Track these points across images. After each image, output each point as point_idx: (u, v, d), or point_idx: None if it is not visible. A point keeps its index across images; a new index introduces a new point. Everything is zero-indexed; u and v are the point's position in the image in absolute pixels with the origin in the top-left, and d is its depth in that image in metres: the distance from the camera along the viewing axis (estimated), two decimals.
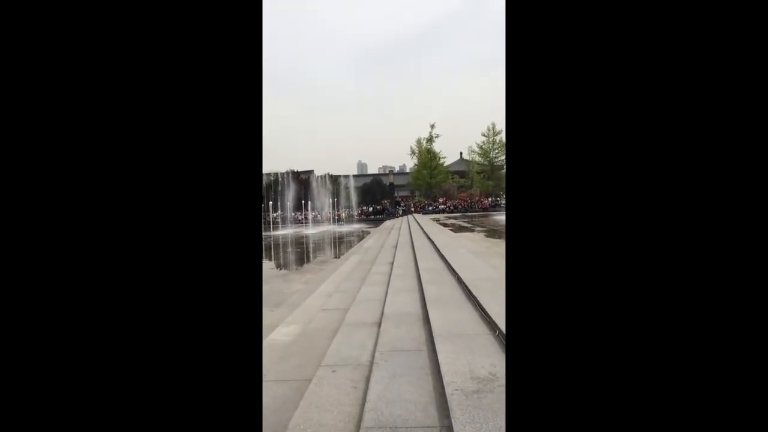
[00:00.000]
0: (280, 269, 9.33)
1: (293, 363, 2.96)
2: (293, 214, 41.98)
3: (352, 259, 8.90)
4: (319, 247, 14.38)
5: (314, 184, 45.81)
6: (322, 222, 37.11)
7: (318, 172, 47.16)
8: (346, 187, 44.30)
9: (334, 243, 15.56)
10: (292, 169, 45.99)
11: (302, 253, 12.71)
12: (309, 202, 43.85)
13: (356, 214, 39.69)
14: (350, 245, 13.70)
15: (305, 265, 9.76)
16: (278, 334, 3.87)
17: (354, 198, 43.17)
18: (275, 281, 7.55)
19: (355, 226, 26.68)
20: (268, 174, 45.52)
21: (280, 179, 44.78)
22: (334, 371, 2.55)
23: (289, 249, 14.08)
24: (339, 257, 10.58)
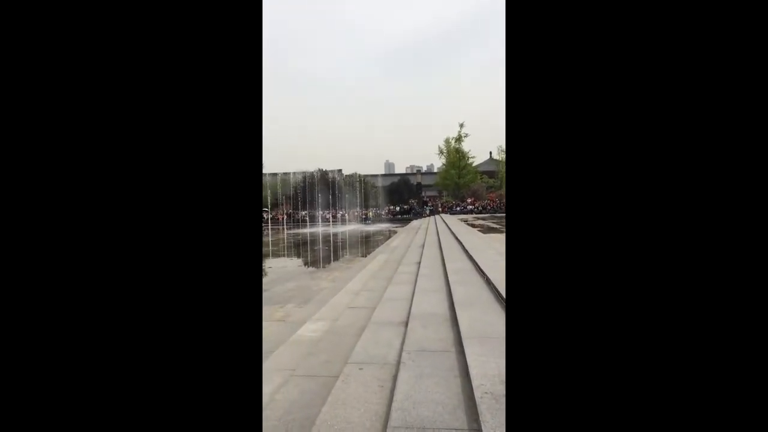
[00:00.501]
0: (308, 266, 9.47)
1: (321, 359, 2.99)
2: (321, 212, 42.53)
3: (378, 257, 8.92)
4: (346, 245, 14.50)
5: (342, 183, 46.26)
6: (350, 221, 37.42)
7: (346, 172, 47.64)
8: (374, 187, 44.51)
9: (361, 242, 15.65)
10: (320, 168, 46.61)
11: (329, 251, 12.85)
12: (336, 201, 44.32)
13: (383, 213, 39.76)
14: (377, 244, 13.74)
15: (332, 263, 9.86)
16: (306, 330, 3.91)
17: (381, 197, 43.31)
18: (303, 278, 7.66)
19: (382, 226, 26.74)
20: (297, 173, 46.35)
21: (308, 178, 45.48)
22: (361, 369, 2.55)
23: (317, 247, 14.27)
24: (366, 256, 10.63)
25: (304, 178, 45.59)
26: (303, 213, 43.12)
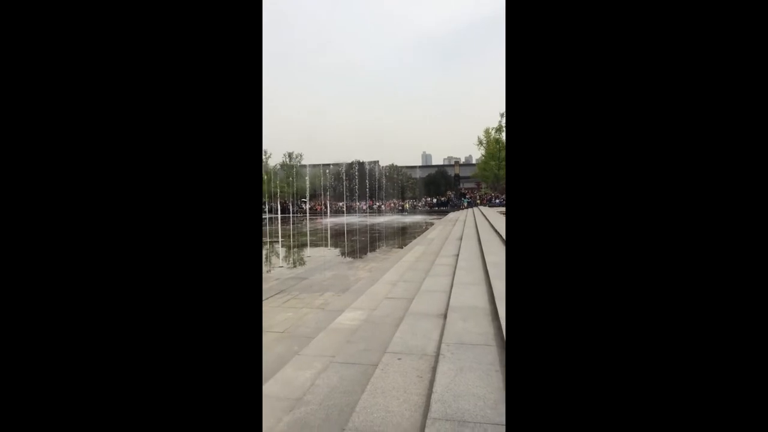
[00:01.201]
0: (345, 257, 9.60)
1: (359, 347, 3.02)
2: (358, 203, 42.95)
3: (416, 249, 8.89)
4: (382, 236, 14.57)
5: (378, 174, 46.41)
6: (386, 212, 37.55)
7: (383, 163, 47.71)
8: (410, 178, 44.32)
9: (398, 233, 15.67)
10: (357, 159, 46.93)
11: (366, 241, 12.96)
12: (373, 193, 44.57)
13: (420, 205, 39.57)
14: (414, 236, 13.70)
15: (369, 254, 9.94)
16: (345, 318, 3.97)
17: (418, 189, 43.07)
18: (340, 268, 7.78)
19: (419, 217, 26.63)
20: (335, 164, 46.96)
21: (345, 170, 45.97)
22: (399, 359, 2.55)
23: (354, 237, 14.44)
24: (402, 247, 10.63)
25: (342, 169, 46.14)
26: (340, 204, 43.76)
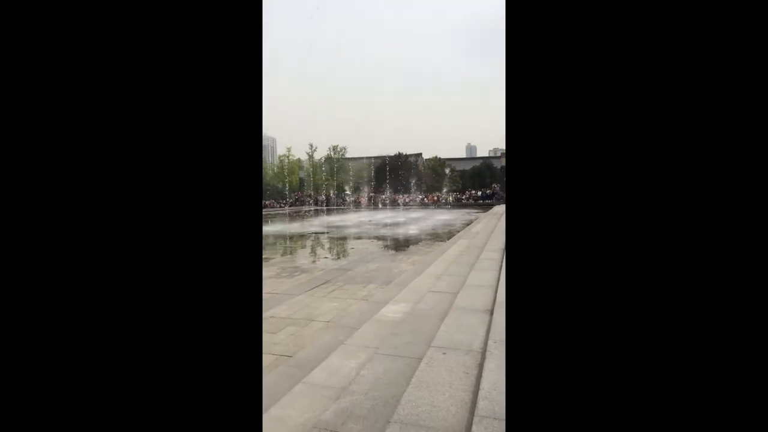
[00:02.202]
0: (388, 249, 9.63)
1: (403, 340, 3.02)
2: (401, 196, 42.94)
3: (459, 242, 8.74)
4: (425, 229, 14.48)
5: (422, 167, 46.07)
6: (429, 205, 37.26)
7: (426, 155, 47.27)
8: (454, 171, 43.61)
9: (441, 226, 15.50)
10: (400, 151, 46.80)
11: (409, 234, 12.94)
12: (416, 185, 44.33)
13: (464, 198, 38.90)
14: (457, 229, 13.49)
15: (411, 247, 9.92)
16: (388, 311, 3.99)
17: (462, 182, 42.31)
18: (384, 260, 7.82)
19: (463, 211, 26.18)
20: (378, 157, 47.16)
21: (388, 162, 46.02)
22: (444, 354, 2.52)
23: (397, 230, 14.46)
24: (446, 240, 10.50)
25: (384, 162, 46.26)
26: (383, 196, 43.97)
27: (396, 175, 44.82)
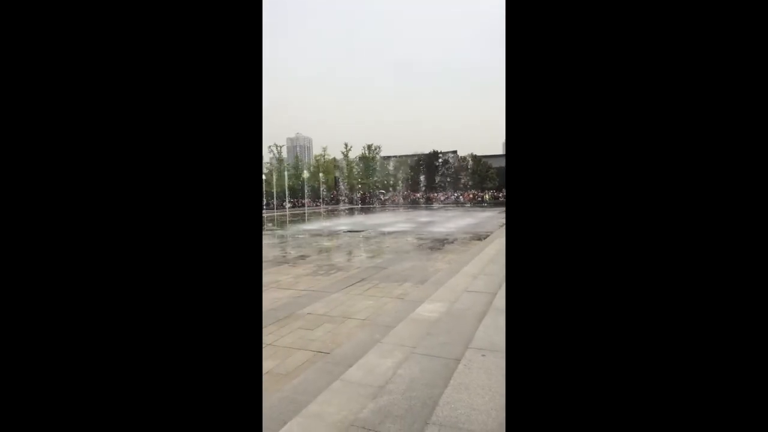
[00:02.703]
0: (423, 248, 9.56)
1: (440, 340, 2.97)
2: (435, 194, 42.59)
3: (497, 242, 8.54)
4: (461, 228, 14.27)
5: (457, 164, 45.46)
6: (465, 203, 36.71)
7: (461, 153, 46.57)
8: (490, 168, 42.66)
9: (477, 225, 15.21)
10: (434, 149, 46.40)
11: (444, 233, 12.79)
12: (451, 183, 43.80)
13: (501, 196, 38.01)
14: (494, 228, 13.19)
15: (447, 245, 9.79)
16: (424, 310, 3.95)
17: (498, 179, 41.34)
18: (419, 258, 7.77)
19: (500, 209, 25.58)
20: (412, 155, 46.98)
21: (423, 160, 45.75)
22: (483, 356, 2.46)
23: (432, 229, 14.34)
24: (482, 239, 10.29)
25: (419, 160, 46.00)
26: (417, 195, 43.78)
27: (431, 174, 44.48)
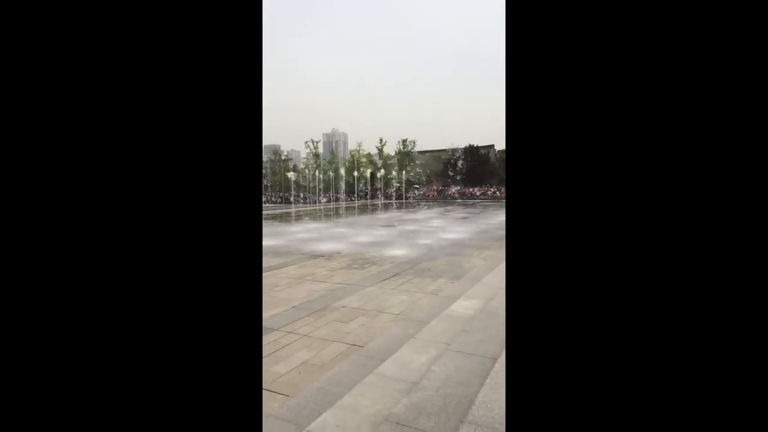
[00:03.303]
0: (458, 244, 9.42)
1: (475, 338, 2.92)
2: (472, 189, 41.89)
3: None
4: (499, 223, 13.93)
5: (494, 159, 44.44)
6: (501, 198, 35.86)
7: (499, 147, 45.46)
8: None
9: None
10: (471, 144, 45.57)
11: (480, 228, 12.54)
12: (488, 178, 42.89)
13: None
14: None
15: (484, 241, 9.59)
16: (459, 306, 3.89)
17: None
18: (453, 254, 7.66)
19: None
20: (448, 149, 46.38)
21: (459, 155, 45.06)
22: None
23: (468, 225, 14.10)
24: None
25: (455, 154, 45.34)
26: (453, 190, 43.23)
27: (468, 168, 43.74)
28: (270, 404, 2.27)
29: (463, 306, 3.88)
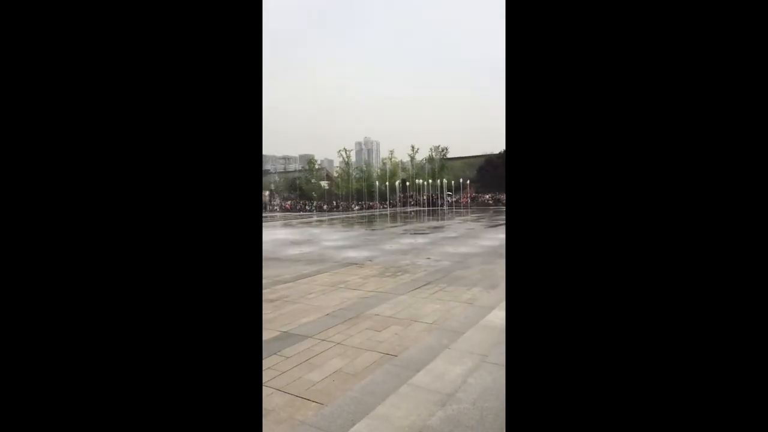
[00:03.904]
0: (493, 253, 9.21)
1: None
2: (506, 195, 40.90)
3: None
4: None
5: None
6: None
7: None
8: None
9: None
10: (504, 150, 44.73)
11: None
12: None
13: None
14: None
15: None
16: (495, 317, 3.79)
17: None
18: (488, 263, 7.49)
19: None
20: (481, 155, 45.70)
21: (493, 160, 44.28)
22: None
23: (502, 232, 13.78)
24: None
25: (487, 160, 44.61)
26: (487, 196, 42.47)
27: (500, 175, 42.91)
28: (305, 412, 2.28)
29: (500, 317, 3.77)
